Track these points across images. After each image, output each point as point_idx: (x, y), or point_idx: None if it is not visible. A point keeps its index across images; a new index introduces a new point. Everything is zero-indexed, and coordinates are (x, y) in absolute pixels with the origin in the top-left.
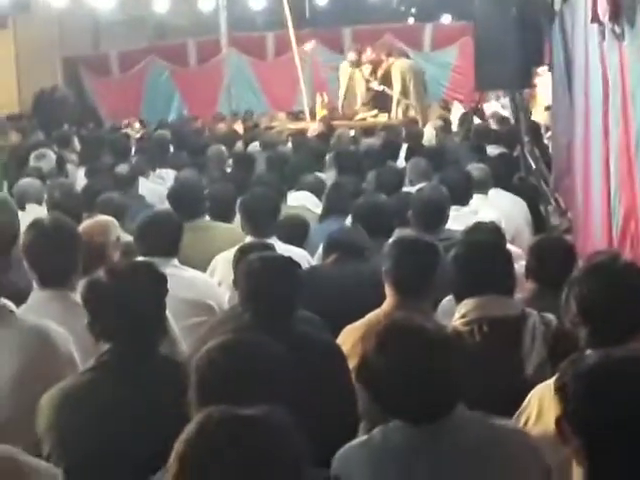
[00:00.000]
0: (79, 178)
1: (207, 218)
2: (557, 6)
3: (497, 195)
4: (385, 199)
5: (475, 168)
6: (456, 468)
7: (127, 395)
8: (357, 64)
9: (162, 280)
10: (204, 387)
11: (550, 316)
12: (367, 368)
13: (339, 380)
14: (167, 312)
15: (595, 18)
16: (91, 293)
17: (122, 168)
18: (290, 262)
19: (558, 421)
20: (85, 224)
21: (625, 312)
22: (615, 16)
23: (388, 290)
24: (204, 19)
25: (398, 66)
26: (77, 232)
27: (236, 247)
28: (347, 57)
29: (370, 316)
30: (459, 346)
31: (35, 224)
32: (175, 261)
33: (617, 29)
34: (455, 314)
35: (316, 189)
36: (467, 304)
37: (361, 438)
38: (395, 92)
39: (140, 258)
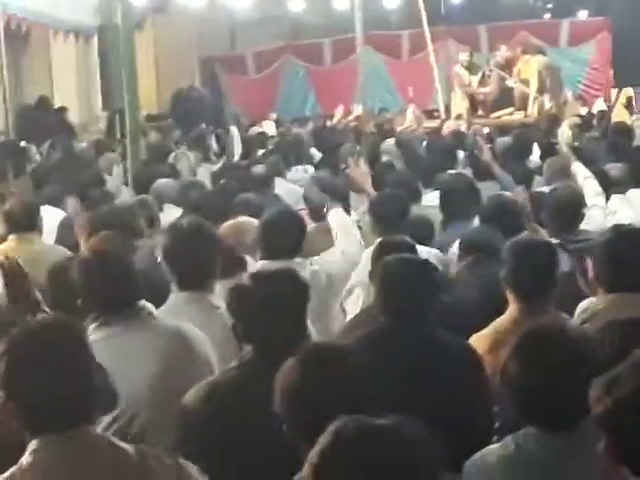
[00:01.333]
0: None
1: None
2: None
3: (634, 194)
4: (511, 199)
5: (613, 167)
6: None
7: (269, 392)
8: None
9: (304, 287)
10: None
11: None
12: (506, 372)
13: (476, 385)
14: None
15: None
16: (234, 296)
17: (258, 168)
18: (429, 265)
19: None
20: (225, 225)
21: None
22: None
23: (510, 296)
24: (339, 18)
25: (534, 63)
26: (215, 235)
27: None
28: (459, 58)
29: (496, 324)
30: (597, 352)
31: (174, 227)
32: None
33: None
34: (578, 311)
35: None
36: (596, 304)
37: (493, 445)
38: (532, 89)
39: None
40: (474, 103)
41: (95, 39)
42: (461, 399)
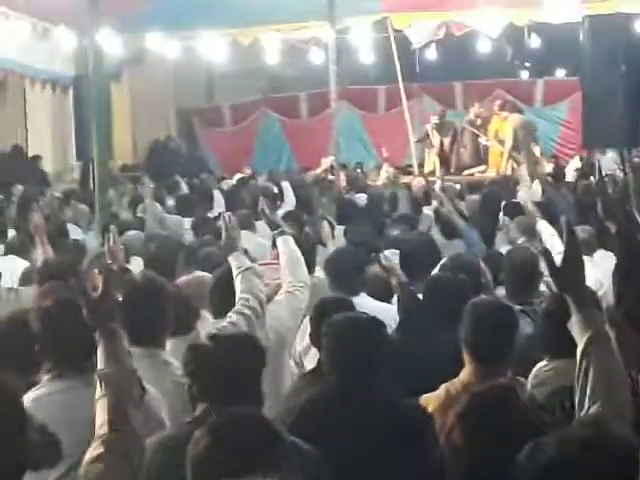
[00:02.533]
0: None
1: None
2: None
3: (603, 256)
4: (471, 258)
5: (580, 230)
6: None
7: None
8: (472, 124)
9: (262, 352)
10: None
11: None
12: (450, 435)
13: (426, 446)
14: None
15: None
16: (193, 357)
17: (212, 223)
18: (375, 322)
19: None
20: (185, 279)
21: None
22: None
23: (466, 357)
24: (315, 72)
25: (511, 121)
26: (168, 291)
27: None
28: (467, 119)
29: (448, 386)
30: (543, 422)
31: (126, 282)
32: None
33: None
34: (537, 376)
35: None
36: (545, 369)
37: None
38: (506, 147)
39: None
40: (447, 161)
41: (71, 89)
42: (411, 460)
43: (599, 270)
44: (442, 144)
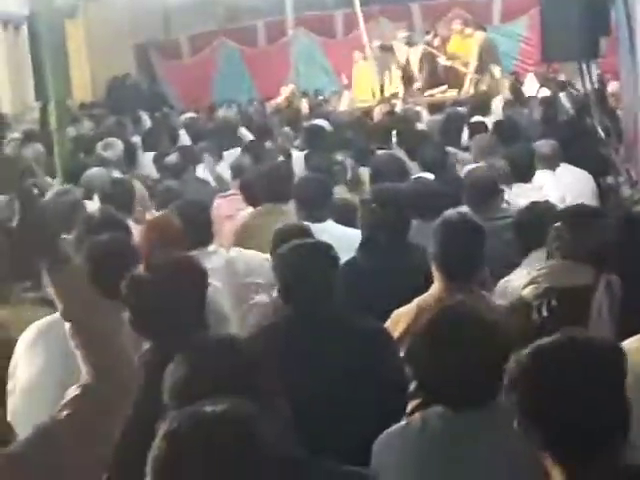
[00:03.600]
0: (147, 163)
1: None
2: None
3: (563, 170)
4: (428, 181)
5: (543, 144)
6: (495, 455)
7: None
8: (409, 43)
9: (202, 274)
10: None
11: (615, 280)
12: (414, 354)
13: (388, 365)
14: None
15: None
16: (132, 288)
17: (171, 158)
18: (325, 247)
19: None
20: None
21: None
22: None
23: (435, 273)
24: (272, 0)
25: (476, 40)
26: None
27: None
28: (424, 40)
29: (419, 300)
30: (508, 334)
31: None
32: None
33: None
34: (523, 279)
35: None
36: (539, 270)
37: (400, 424)
38: (471, 67)
39: None
40: (410, 80)
41: (25, 28)
42: (373, 379)
43: (562, 184)
44: (408, 61)
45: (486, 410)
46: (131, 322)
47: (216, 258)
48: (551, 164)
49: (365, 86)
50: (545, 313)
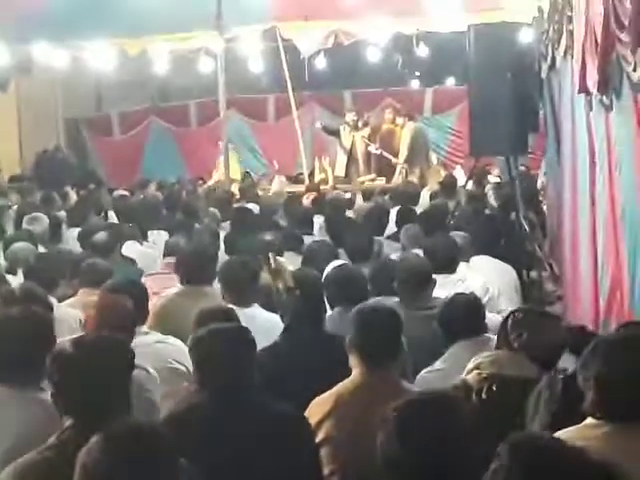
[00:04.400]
0: (72, 239)
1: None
2: (544, 74)
3: (481, 262)
4: (355, 268)
5: (457, 235)
6: None
7: None
8: (355, 127)
9: (128, 355)
10: None
11: (560, 379)
12: (387, 449)
13: (303, 451)
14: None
15: (583, 89)
16: (55, 365)
17: (100, 235)
18: (242, 332)
19: None
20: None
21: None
22: (604, 87)
23: (354, 360)
24: (205, 81)
25: (408, 130)
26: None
27: None
28: (346, 118)
29: (338, 388)
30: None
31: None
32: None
33: (605, 100)
34: (469, 364)
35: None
36: (483, 357)
37: None
38: (401, 156)
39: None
40: (342, 166)
41: None
42: (288, 466)
43: (484, 277)
44: (353, 145)
45: None
46: (53, 397)
47: (148, 339)
48: (465, 255)
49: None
50: (484, 396)
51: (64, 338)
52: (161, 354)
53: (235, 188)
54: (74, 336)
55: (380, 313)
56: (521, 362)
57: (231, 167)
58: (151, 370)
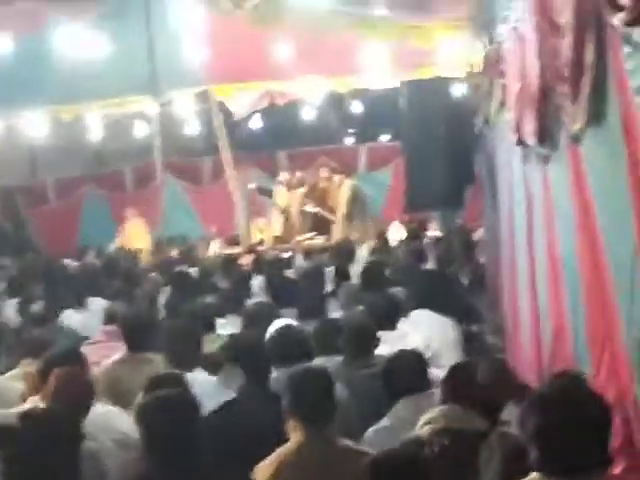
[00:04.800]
0: (10, 309)
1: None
2: (478, 127)
3: (421, 316)
4: (297, 328)
5: (396, 291)
6: None
7: None
8: (290, 185)
9: (75, 428)
10: None
11: (510, 433)
12: None
13: None
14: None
15: (519, 141)
16: (2, 438)
17: (36, 306)
18: (186, 398)
19: None
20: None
21: (578, 445)
22: (541, 138)
23: (292, 424)
24: (140, 145)
25: (344, 188)
26: None
27: None
28: (279, 178)
29: (280, 451)
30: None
31: None
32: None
33: (543, 151)
34: (420, 420)
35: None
36: (432, 412)
37: None
38: (339, 213)
39: None
40: (280, 226)
41: None
42: None
43: (426, 331)
44: (288, 204)
45: None
46: (2, 472)
47: (97, 409)
48: (403, 311)
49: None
50: (436, 450)
51: (5, 410)
52: (112, 424)
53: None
54: (15, 409)
55: (310, 376)
56: (470, 415)
57: (135, 236)
58: (106, 441)
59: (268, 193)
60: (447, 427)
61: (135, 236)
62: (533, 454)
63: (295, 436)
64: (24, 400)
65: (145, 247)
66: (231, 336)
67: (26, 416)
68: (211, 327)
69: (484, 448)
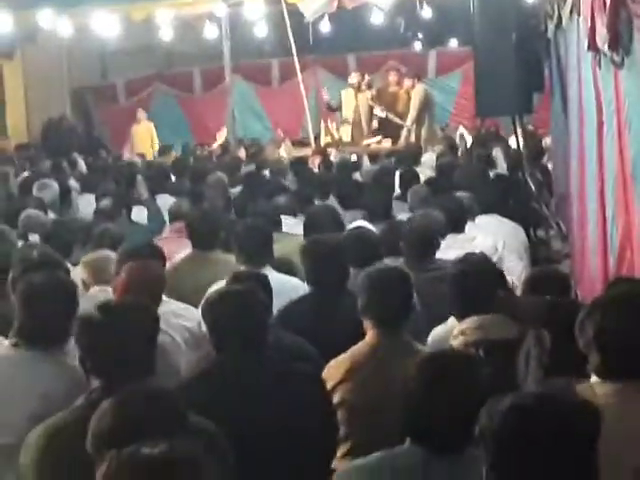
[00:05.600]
0: (82, 206)
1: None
2: (550, 33)
3: (488, 221)
4: (367, 230)
5: (463, 196)
6: None
7: None
8: (359, 88)
9: (154, 320)
10: None
11: (545, 333)
12: (410, 391)
13: (316, 410)
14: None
15: (592, 46)
16: (83, 329)
17: (107, 202)
18: (255, 293)
19: None
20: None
21: (638, 348)
22: (614, 44)
23: (367, 323)
24: (210, 47)
25: (414, 92)
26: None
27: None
28: (349, 80)
29: (353, 350)
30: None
31: (27, 281)
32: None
33: (616, 57)
34: (454, 330)
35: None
36: (468, 322)
37: (367, 458)
38: (410, 118)
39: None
40: (348, 129)
41: None
42: (302, 424)
43: (493, 236)
44: (357, 107)
45: (461, 456)
46: (80, 360)
47: (171, 306)
48: (471, 215)
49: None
50: None
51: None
52: (180, 321)
53: (242, 152)
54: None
55: (390, 275)
56: (504, 324)
57: (143, 140)
58: (176, 337)
59: (337, 108)
60: (482, 339)
61: (143, 140)
62: (592, 359)
63: (369, 336)
64: (87, 290)
65: (150, 152)
66: (305, 238)
67: (105, 306)
68: (280, 227)
69: (522, 352)
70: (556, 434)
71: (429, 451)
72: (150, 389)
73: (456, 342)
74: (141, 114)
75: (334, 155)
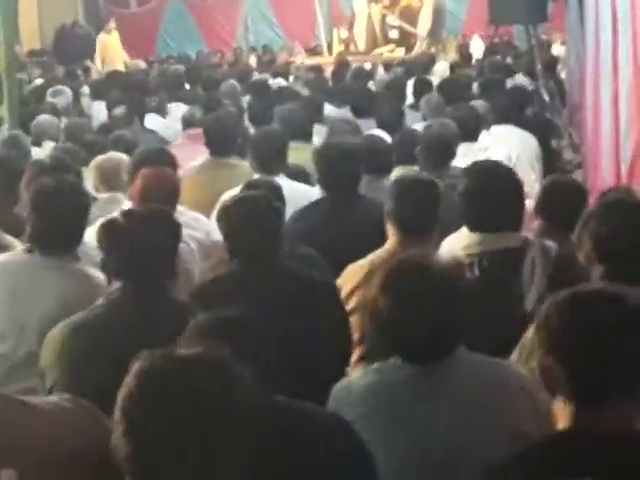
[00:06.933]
0: (94, 111)
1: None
2: None
3: (502, 130)
4: (380, 137)
5: (477, 104)
6: (454, 407)
7: (134, 330)
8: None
9: (176, 227)
10: None
11: (551, 244)
12: (374, 305)
13: (330, 316)
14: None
15: None
16: (107, 232)
17: (120, 109)
18: (268, 199)
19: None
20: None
21: None
22: None
23: (390, 229)
24: None
25: (430, 4)
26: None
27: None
28: None
29: (373, 256)
30: (464, 285)
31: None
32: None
33: None
34: (458, 244)
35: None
36: (471, 237)
37: (358, 373)
38: (423, 29)
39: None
40: (361, 38)
41: None
42: (315, 330)
43: (507, 145)
44: (370, 17)
45: (447, 362)
46: (102, 262)
47: (185, 213)
48: (485, 124)
49: None
50: (477, 272)
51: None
52: (194, 229)
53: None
54: None
55: (420, 183)
56: (506, 235)
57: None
58: (191, 244)
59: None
60: (484, 251)
61: (113, 52)
62: (595, 272)
63: (391, 242)
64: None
65: (121, 64)
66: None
67: (130, 211)
68: (294, 135)
69: (527, 261)
70: (617, 322)
71: (415, 364)
72: (176, 358)
73: (460, 253)
74: (111, 24)
75: (349, 64)
